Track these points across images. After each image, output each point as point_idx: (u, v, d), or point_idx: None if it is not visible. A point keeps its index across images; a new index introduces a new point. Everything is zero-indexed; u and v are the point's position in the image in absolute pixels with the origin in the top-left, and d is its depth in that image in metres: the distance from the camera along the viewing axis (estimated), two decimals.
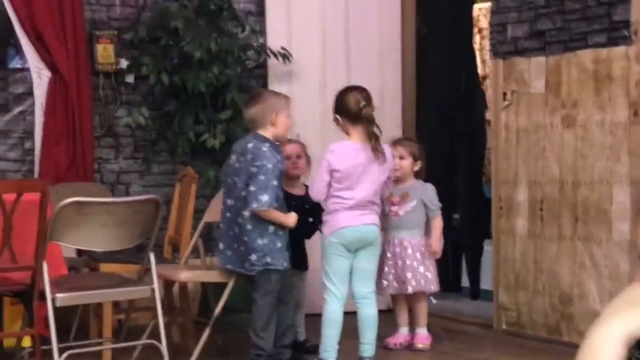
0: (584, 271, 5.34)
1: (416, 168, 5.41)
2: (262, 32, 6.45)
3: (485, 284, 6.75)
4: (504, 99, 5.78)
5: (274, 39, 6.33)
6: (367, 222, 4.73)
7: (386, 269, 5.38)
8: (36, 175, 5.90)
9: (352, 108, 4.72)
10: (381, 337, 5.45)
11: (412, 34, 6.74)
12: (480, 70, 7.71)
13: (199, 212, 5.55)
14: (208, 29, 5.98)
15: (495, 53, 5.91)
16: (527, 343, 5.54)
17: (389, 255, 5.38)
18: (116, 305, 5.28)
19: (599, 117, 5.25)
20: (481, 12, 8.02)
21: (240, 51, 6.11)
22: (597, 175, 5.26)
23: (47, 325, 4.07)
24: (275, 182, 4.59)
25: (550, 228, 5.53)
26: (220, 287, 5.61)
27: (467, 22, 7.34)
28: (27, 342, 4.61)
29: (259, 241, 4.61)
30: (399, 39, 6.66)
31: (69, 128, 5.96)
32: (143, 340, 4.77)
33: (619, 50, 5.14)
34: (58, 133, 5.94)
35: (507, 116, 5.78)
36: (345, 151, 4.73)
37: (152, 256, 4.38)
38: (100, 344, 5.08)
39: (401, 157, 5.35)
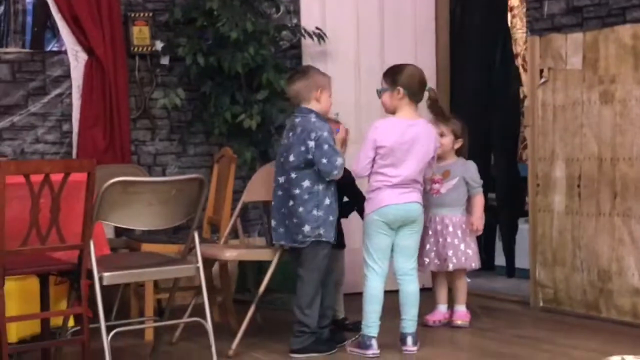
0: (623, 247, 5.33)
1: (457, 146, 5.41)
2: (296, 12, 6.46)
3: (520, 262, 6.76)
4: (541, 76, 5.76)
5: (308, 20, 6.33)
6: (410, 200, 4.72)
7: (427, 246, 5.39)
8: (74, 157, 5.95)
9: (417, 85, 4.73)
10: (420, 315, 5.52)
11: (446, 14, 6.74)
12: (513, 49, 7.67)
13: (235, 193, 5.57)
14: (243, 9, 5.99)
15: (532, 30, 5.89)
16: (565, 319, 5.55)
17: (430, 232, 5.40)
18: (155, 285, 5.33)
19: (638, 93, 5.23)
20: None
21: (275, 32, 6.12)
22: (636, 151, 5.25)
23: (89, 305, 4.11)
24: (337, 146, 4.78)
25: (588, 204, 5.52)
26: (259, 266, 5.69)
27: (501, 1, 7.30)
28: (71, 321, 4.66)
29: (315, 212, 4.72)
30: (433, 19, 6.65)
31: (106, 110, 6.00)
32: (188, 319, 4.81)
33: None
34: (95, 115, 5.98)
35: (544, 93, 5.77)
36: (392, 127, 4.70)
37: (196, 235, 4.40)
38: (142, 322, 5.13)
39: (442, 135, 5.34)
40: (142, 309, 5.30)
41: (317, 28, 6.21)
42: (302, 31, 6.22)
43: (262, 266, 5.66)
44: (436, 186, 5.39)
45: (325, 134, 4.69)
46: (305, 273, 4.76)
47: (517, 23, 8.22)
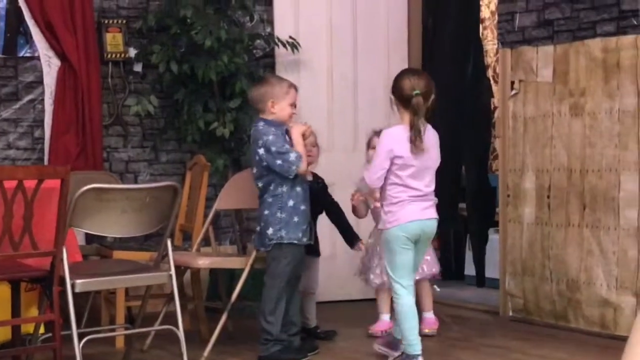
0: (591, 258, 5.40)
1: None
2: (270, 21, 6.49)
3: (490, 272, 6.81)
4: (512, 88, 5.83)
5: (282, 29, 6.36)
6: (431, 217, 4.55)
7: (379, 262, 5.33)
8: (46, 163, 5.93)
9: (404, 92, 4.50)
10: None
11: (418, 25, 6.79)
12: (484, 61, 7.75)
13: (207, 201, 5.58)
14: (217, 17, 6.00)
15: (503, 42, 5.96)
16: (534, 329, 5.60)
17: (378, 249, 5.31)
18: (126, 292, 5.32)
19: (608, 106, 5.30)
20: (483, 2, 8.07)
21: (248, 40, 6.14)
22: (605, 163, 5.32)
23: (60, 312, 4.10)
24: (287, 145, 4.69)
25: (558, 215, 5.58)
26: (230, 274, 5.70)
27: (473, 12, 7.37)
28: (42, 328, 4.64)
29: (278, 215, 4.72)
30: (405, 30, 6.70)
31: (78, 117, 5.99)
32: (159, 326, 4.80)
33: (628, 39, 5.20)
34: (67, 122, 5.97)
35: (515, 105, 5.83)
36: (402, 136, 4.48)
37: (169, 243, 4.41)
38: (113, 330, 5.12)
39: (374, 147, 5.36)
40: (113, 317, 5.29)
41: (290, 37, 6.24)
42: (276, 40, 6.24)
43: (233, 274, 5.68)
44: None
45: (270, 137, 4.67)
46: (268, 278, 4.76)
47: (489, 35, 8.33)
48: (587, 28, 5.47)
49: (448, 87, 7.17)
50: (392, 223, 4.48)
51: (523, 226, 5.80)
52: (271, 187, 4.74)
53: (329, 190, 5.46)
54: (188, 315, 5.51)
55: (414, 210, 4.47)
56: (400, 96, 4.52)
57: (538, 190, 5.71)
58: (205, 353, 4.81)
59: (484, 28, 7.98)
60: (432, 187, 4.54)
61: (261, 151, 4.69)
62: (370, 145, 5.46)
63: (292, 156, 4.66)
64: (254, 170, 4.79)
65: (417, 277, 5.36)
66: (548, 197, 5.64)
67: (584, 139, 5.44)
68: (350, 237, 5.39)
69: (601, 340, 5.23)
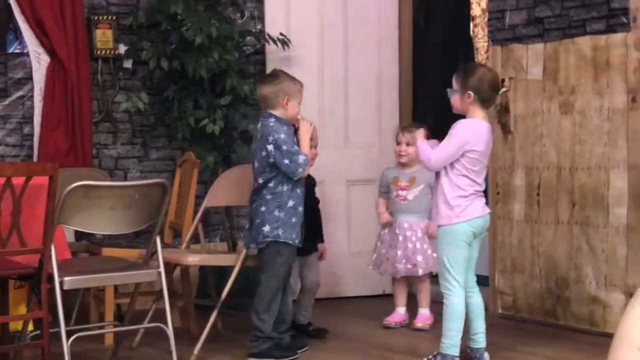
0: (581, 255, 5.41)
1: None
2: (261, 18, 6.48)
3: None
4: (502, 86, 5.82)
5: (272, 26, 6.34)
6: (489, 212, 4.54)
7: (399, 252, 5.50)
8: (35, 160, 5.91)
9: (488, 91, 4.39)
10: (380, 318, 5.65)
11: (409, 22, 6.78)
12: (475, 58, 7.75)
13: (197, 198, 5.57)
14: (207, 14, 5.99)
15: (494, 40, 5.96)
16: (524, 326, 5.61)
17: (400, 239, 5.52)
18: (115, 289, 5.32)
19: (597, 104, 5.31)
20: (474, 0, 8.05)
21: (239, 37, 6.13)
22: (594, 160, 5.33)
23: (48, 309, 4.09)
24: (296, 146, 4.70)
25: (547, 213, 5.59)
26: (220, 271, 5.70)
27: (464, 10, 7.36)
28: (30, 325, 4.63)
29: (276, 213, 4.71)
30: (396, 27, 6.69)
31: (68, 113, 5.97)
32: (148, 324, 4.80)
33: (618, 37, 5.20)
34: (57, 118, 5.95)
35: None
36: (483, 131, 4.38)
37: (158, 240, 4.40)
38: (102, 327, 5.11)
39: (408, 144, 5.43)
40: (102, 314, 5.29)
41: (281, 34, 6.23)
42: (267, 37, 6.23)
43: (223, 271, 5.67)
44: (403, 193, 5.48)
45: (282, 135, 4.68)
46: (264, 276, 4.76)
47: (479, 32, 8.30)
48: (577, 26, 5.47)
49: (438, 84, 7.18)
50: (461, 217, 4.38)
51: (513, 223, 5.81)
52: (271, 185, 4.72)
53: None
54: (177, 313, 5.52)
55: (478, 205, 4.42)
56: (483, 93, 4.38)
57: (528, 188, 5.72)
58: (195, 351, 4.80)
59: (475, 26, 7.95)
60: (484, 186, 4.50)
61: (270, 147, 4.68)
62: (398, 141, 5.56)
63: (301, 159, 4.67)
64: (256, 165, 4.76)
65: (421, 273, 5.44)
66: (538, 194, 5.65)
67: (574, 137, 5.44)
68: (320, 240, 5.41)
69: (590, 337, 5.24)
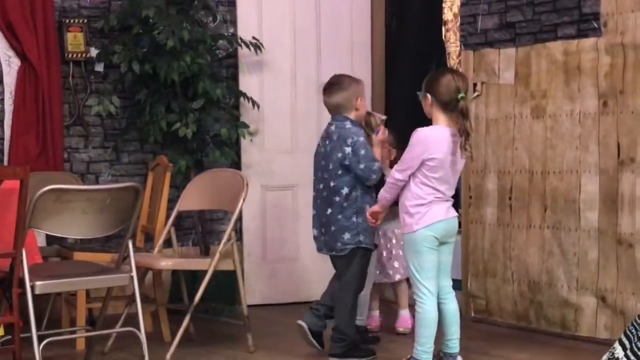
0: (553, 259, 5.44)
1: (392, 157, 5.47)
2: (233, 21, 6.47)
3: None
4: (474, 90, 5.85)
5: (245, 29, 6.34)
6: (454, 215, 4.49)
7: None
8: (5, 164, 5.86)
9: (447, 95, 4.35)
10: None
11: (382, 26, 6.81)
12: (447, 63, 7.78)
13: (169, 202, 5.54)
14: (179, 18, 5.96)
15: (466, 44, 5.98)
16: (496, 330, 5.63)
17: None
18: (87, 294, 5.28)
19: (569, 108, 5.34)
20: (446, 5, 8.08)
21: (211, 41, 6.12)
22: (566, 165, 5.36)
23: (18, 314, 4.06)
24: (372, 152, 4.78)
25: (519, 217, 5.62)
26: (193, 275, 5.68)
27: (436, 15, 7.40)
28: (0, 331, 4.59)
29: (354, 219, 4.77)
30: (369, 30, 6.71)
31: (39, 117, 5.92)
32: (121, 328, 4.77)
33: (589, 41, 5.24)
34: (28, 121, 5.90)
35: (477, 107, 5.85)
36: (442, 138, 4.36)
37: (130, 244, 4.38)
38: (74, 332, 5.08)
39: None
40: (74, 319, 5.25)
41: (253, 38, 6.22)
42: (239, 40, 6.22)
43: (195, 275, 5.66)
44: None
45: (362, 139, 4.75)
46: (344, 280, 4.82)
47: (451, 37, 8.34)
48: (548, 31, 5.50)
49: (411, 88, 7.20)
50: (420, 224, 4.39)
51: (485, 227, 5.83)
52: (344, 190, 4.76)
53: None
54: (150, 317, 5.49)
55: (440, 210, 4.40)
56: (441, 97, 4.37)
57: (500, 192, 5.74)
58: (168, 355, 4.78)
59: (447, 30, 7.99)
60: (453, 191, 4.50)
61: (348, 150, 4.73)
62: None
63: (376, 166, 4.74)
64: (330, 166, 4.78)
65: (397, 278, 5.46)
66: (510, 198, 5.68)
67: (545, 141, 5.48)
68: None
69: (562, 341, 5.28)
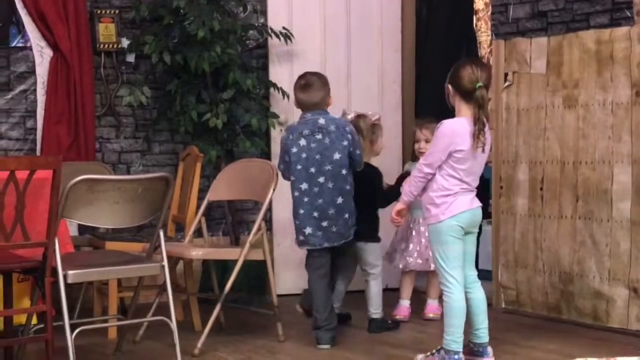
0: (584, 249, 5.40)
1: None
2: (263, 12, 6.47)
3: (483, 263, 6.80)
4: (505, 80, 5.82)
5: (275, 19, 6.34)
6: (479, 205, 4.49)
7: (411, 246, 5.57)
8: (38, 154, 5.91)
9: (465, 84, 4.35)
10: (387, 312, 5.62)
11: (412, 15, 6.78)
12: (478, 52, 7.75)
13: (200, 192, 5.56)
14: (210, 8, 5.98)
15: (497, 33, 5.95)
16: (527, 321, 5.60)
17: (414, 233, 5.58)
18: (119, 283, 5.32)
19: (601, 98, 5.30)
20: None
21: (242, 31, 6.12)
22: (598, 155, 5.32)
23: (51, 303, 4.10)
24: None
25: (551, 207, 5.59)
26: (223, 265, 5.70)
27: (467, 4, 7.37)
28: (34, 319, 4.63)
29: (353, 204, 5.07)
30: (399, 19, 6.68)
31: (71, 107, 5.97)
32: (152, 317, 4.79)
33: (621, 30, 5.19)
34: (60, 112, 5.94)
35: (508, 97, 5.82)
36: (467, 129, 4.35)
37: (162, 234, 4.39)
38: (106, 321, 5.11)
39: (427, 141, 5.38)
40: (105, 308, 5.29)
41: (283, 28, 6.22)
42: (269, 31, 6.22)
43: (226, 265, 5.68)
44: None
45: (352, 127, 5.09)
46: (348, 263, 5.31)
47: (482, 26, 8.31)
48: (580, 20, 5.47)
49: (441, 78, 7.18)
50: (447, 214, 4.40)
51: (516, 218, 5.81)
52: (350, 178, 5.05)
53: None
54: (180, 307, 5.51)
55: (465, 200, 4.41)
56: (461, 88, 4.38)
57: (531, 182, 5.71)
58: (199, 344, 4.80)
59: (478, 19, 7.97)
60: (478, 181, 4.50)
61: (350, 137, 5.03)
62: (416, 139, 5.59)
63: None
64: (336, 156, 5.00)
65: (433, 267, 5.45)
66: (541, 189, 5.64)
67: (577, 131, 5.44)
68: None
69: (593, 332, 5.24)
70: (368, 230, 5.30)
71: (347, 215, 4.98)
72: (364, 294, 5.42)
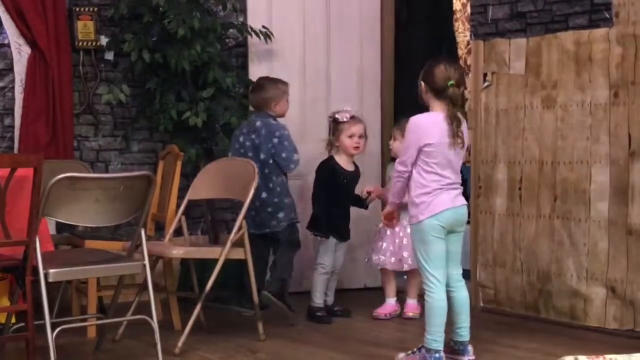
0: (562, 249, 5.44)
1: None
2: (243, 10, 6.46)
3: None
4: (484, 80, 5.85)
5: (255, 18, 6.34)
6: (463, 203, 4.47)
7: (384, 245, 5.61)
8: (16, 152, 5.87)
9: (438, 82, 4.38)
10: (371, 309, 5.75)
11: (391, 15, 6.79)
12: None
13: (179, 190, 5.54)
14: (189, 6, 5.96)
15: (476, 34, 5.98)
16: (505, 320, 5.63)
17: (388, 232, 5.61)
18: (97, 282, 5.29)
19: (579, 98, 5.34)
20: None
21: (221, 29, 6.11)
22: (576, 155, 5.36)
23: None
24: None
25: (529, 207, 5.62)
26: (202, 264, 5.68)
27: (446, 4, 7.40)
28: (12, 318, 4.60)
29: (286, 200, 5.61)
30: (378, 19, 6.70)
31: (49, 105, 5.93)
32: (132, 316, 4.78)
33: (600, 32, 5.24)
34: (38, 110, 5.91)
35: (487, 97, 5.85)
36: (435, 122, 4.37)
37: (143, 233, 4.38)
38: (85, 320, 5.09)
39: (394, 139, 5.45)
40: (84, 307, 5.26)
41: (263, 26, 6.22)
42: (249, 29, 6.21)
43: (205, 264, 5.66)
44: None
45: (286, 132, 5.56)
46: (285, 249, 5.60)
47: (460, 27, 8.35)
48: (559, 21, 5.50)
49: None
50: (425, 214, 4.39)
51: (494, 217, 5.84)
52: (276, 177, 5.57)
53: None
54: (160, 306, 5.50)
55: (446, 199, 4.39)
56: (433, 85, 4.40)
57: (509, 182, 5.74)
58: (180, 343, 4.79)
59: (456, 20, 8.00)
60: (459, 176, 4.49)
61: (275, 140, 5.56)
62: (393, 137, 5.67)
63: (296, 157, 5.63)
64: (262, 156, 5.54)
65: (406, 268, 5.56)
66: (519, 188, 5.68)
67: (556, 132, 5.48)
68: None
69: (571, 330, 5.28)
70: (320, 225, 5.66)
71: (270, 209, 5.55)
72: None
